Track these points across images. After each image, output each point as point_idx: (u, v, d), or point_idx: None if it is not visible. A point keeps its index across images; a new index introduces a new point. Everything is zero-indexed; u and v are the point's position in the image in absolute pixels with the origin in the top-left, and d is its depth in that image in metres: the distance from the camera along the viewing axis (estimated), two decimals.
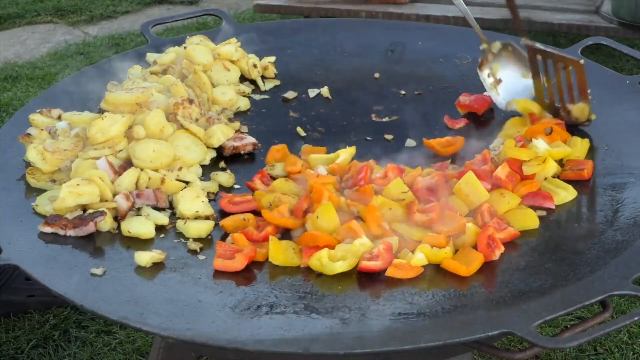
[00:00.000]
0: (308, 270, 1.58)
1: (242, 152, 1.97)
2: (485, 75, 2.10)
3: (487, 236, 1.58)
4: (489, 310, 1.45)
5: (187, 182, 1.84)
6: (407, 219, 1.66)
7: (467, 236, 1.61)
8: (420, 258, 1.56)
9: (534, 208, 1.71)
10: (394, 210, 1.66)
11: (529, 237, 1.65)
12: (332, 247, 1.59)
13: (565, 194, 1.74)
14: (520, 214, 1.68)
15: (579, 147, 1.87)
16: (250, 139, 1.98)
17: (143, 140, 1.87)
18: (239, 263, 1.57)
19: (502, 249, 1.59)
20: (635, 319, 1.35)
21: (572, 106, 1.96)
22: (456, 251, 1.60)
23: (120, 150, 1.87)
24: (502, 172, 1.74)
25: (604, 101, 2.04)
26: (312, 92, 2.24)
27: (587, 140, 1.90)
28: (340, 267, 1.55)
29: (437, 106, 2.15)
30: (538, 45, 1.99)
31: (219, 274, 1.57)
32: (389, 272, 1.54)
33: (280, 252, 1.59)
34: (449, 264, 1.55)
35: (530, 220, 1.67)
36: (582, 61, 1.92)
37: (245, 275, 1.57)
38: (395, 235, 1.62)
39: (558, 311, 1.39)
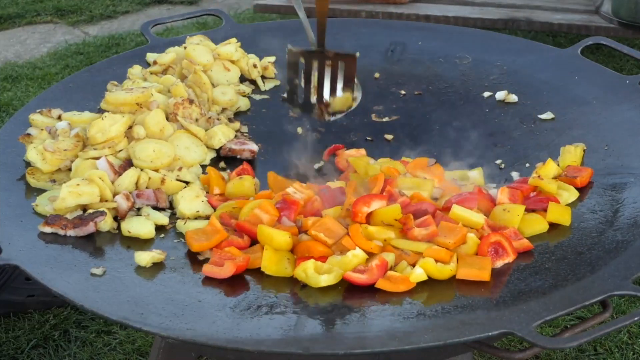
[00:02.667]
0: None
1: (238, 157, 1.96)
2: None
3: (489, 243, 1.57)
4: (489, 310, 1.44)
5: (187, 182, 1.84)
6: (405, 235, 1.61)
7: (467, 246, 1.58)
8: (419, 274, 1.51)
9: (538, 211, 1.70)
10: (388, 232, 1.61)
11: (529, 237, 1.64)
12: (326, 259, 1.57)
13: (568, 195, 1.74)
14: (529, 220, 1.66)
15: (572, 153, 1.86)
16: (250, 146, 1.97)
17: (143, 140, 1.87)
18: (227, 270, 1.54)
19: (512, 258, 1.57)
20: (635, 319, 1.35)
21: (333, 99, 1.89)
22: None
23: (120, 150, 1.87)
24: (502, 196, 1.71)
25: (604, 101, 2.04)
26: None
27: (581, 146, 1.89)
28: (325, 281, 1.51)
29: (437, 106, 2.15)
30: (308, 48, 1.91)
31: None
32: (379, 284, 1.50)
33: (273, 263, 1.56)
34: (467, 272, 1.52)
35: (540, 225, 1.66)
36: (357, 54, 1.88)
37: (247, 275, 1.57)
38: (393, 252, 1.57)
39: (558, 311, 1.39)
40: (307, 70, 1.88)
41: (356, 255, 1.55)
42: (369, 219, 1.64)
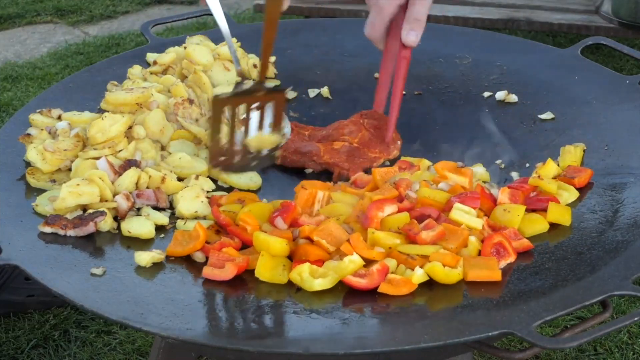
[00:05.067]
0: None
1: None
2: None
3: (492, 244, 1.56)
4: (489, 310, 1.44)
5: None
6: (412, 240, 1.57)
7: (469, 250, 1.57)
8: (420, 274, 1.50)
9: (538, 211, 1.69)
10: (393, 238, 1.58)
11: (529, 237, 1.64)
12: (322, 263, 1.54)
13: (568, 195, 1.74)
14: (530, 220, 1.65)
15: (572, 153, 1.86)
16: None
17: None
18: (228, 272, 1.53)
19: (513, 258, 1.56)
20: (635, 319, 1.35)
21: (249, 139, 1.72)
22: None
23: (120, 150, 1.87)
24: (503, 196, 1.69)
25: (604, 101, 2.04)
26: (312, 92, 2.24)
27: (581, 146, 1.89)
28: (320, 285, 1.49)
29: (437, 106, 2.15)
30: (225, 93, 1.72)
31: None
32: (382, 289, 1.48)
33: (267, 269, 1.52)
34: (477, 274, 1.50)
35: (540, 224, 1.65)
36: (287, 92, 1.71)
37: (246, 275, 1.57)
38: (398, 257, 1.54)
39: (558, 311, 1.39)
40: (231, 119, 1.69)
41: (353, 261, 1.51)
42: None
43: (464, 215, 1.62)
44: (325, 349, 1.37)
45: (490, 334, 1.35)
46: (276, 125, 1.74)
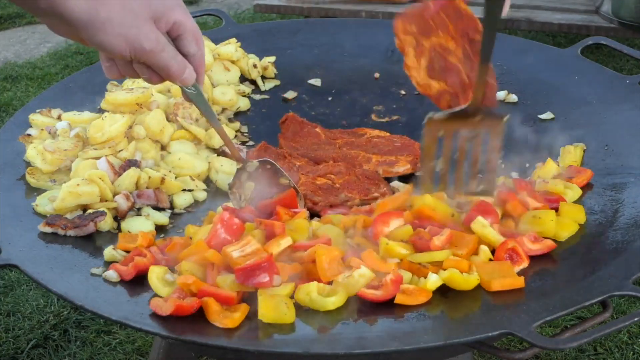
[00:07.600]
0: None
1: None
2: (237, 197, 1.72)
3: (505, 249, 1.54)
4: (489, 311, 1.44)
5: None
6: (425, 248, 1.55)
7: (480, 258, 1.54)
8: (435, 280, 1.47)
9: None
10: (403, 249, 1.56)
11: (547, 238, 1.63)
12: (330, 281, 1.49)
13: (572, 193, 1.73)
14: (561, 224, 1.63)
15: (572, 153, 1.86)
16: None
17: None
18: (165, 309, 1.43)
19: (526, 263, 1.54)
20: (635, 319, 1.34)
21: (474, 181, 1.68)
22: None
23: (121, 150, 1.87)
24: (533, 203, 1.66)
25: (604, 101, 2.04)
26: (315, 82, 2.26)
27: (581, 146, 1.89)
28: (334, 303, 1.44)
29: (437, 106, 2.15)
30: (440, 114, 1.67)
31: None
32: (398, 299, 1.45)
33: (270, 309, 1.42)
34: (502, 283, 1.47)
35: (572, 226, 1.63)
36: (506, 117, 1.64)
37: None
38: (409, 267, 1.52)
39: (558, 311, 1.39)
40: (445, 148, 1.65)
41: (363, 275, 1.49)
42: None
43: (485, 228, 1.58)
44: (325, 349, 1.37)
45: (490, 334, 1.35)
46: (490, 168, 1.65)
